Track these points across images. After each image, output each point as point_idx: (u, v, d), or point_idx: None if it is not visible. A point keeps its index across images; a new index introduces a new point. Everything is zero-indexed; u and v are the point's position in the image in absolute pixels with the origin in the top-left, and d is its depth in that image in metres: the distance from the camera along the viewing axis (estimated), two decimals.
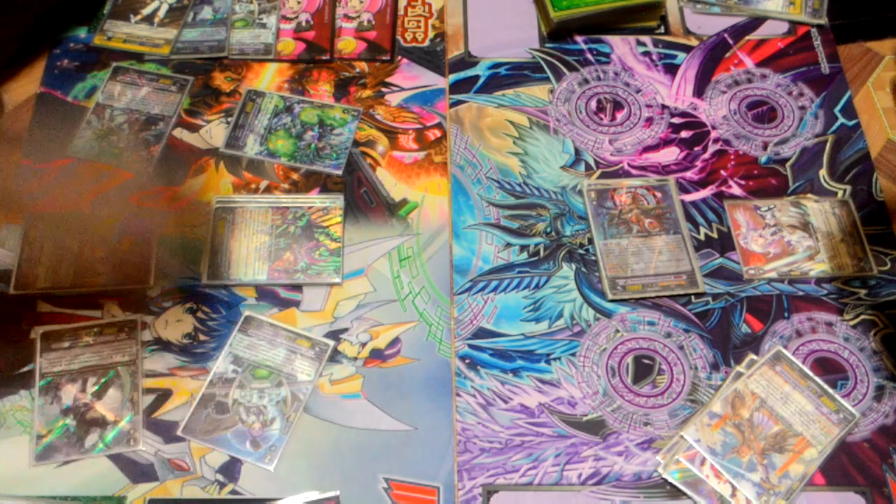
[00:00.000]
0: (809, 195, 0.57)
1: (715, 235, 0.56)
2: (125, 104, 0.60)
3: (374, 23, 0.65)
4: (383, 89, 0.62)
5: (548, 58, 0.64)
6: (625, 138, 0.60)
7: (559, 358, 0.52)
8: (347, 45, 0.64)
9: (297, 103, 0.60)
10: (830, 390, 0.50)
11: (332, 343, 0.52)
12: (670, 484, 0.47)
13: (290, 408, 0.50)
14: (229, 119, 0.60)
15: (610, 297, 0.53)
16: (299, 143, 0.58)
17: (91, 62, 0.63)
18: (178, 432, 0.48)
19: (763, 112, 0.61)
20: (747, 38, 0.65)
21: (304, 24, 0.65)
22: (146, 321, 0.52)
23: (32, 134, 0.58)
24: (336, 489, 0.47)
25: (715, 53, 0.64)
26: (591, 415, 0.50)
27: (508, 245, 0.55)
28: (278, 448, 0.48)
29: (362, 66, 0.63)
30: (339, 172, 0.58)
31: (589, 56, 0.64)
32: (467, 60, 0.64)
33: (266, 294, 0.53)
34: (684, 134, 0.60)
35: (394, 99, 0.62)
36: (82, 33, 0.64)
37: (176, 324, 0.52)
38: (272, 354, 0.51)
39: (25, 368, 0.51)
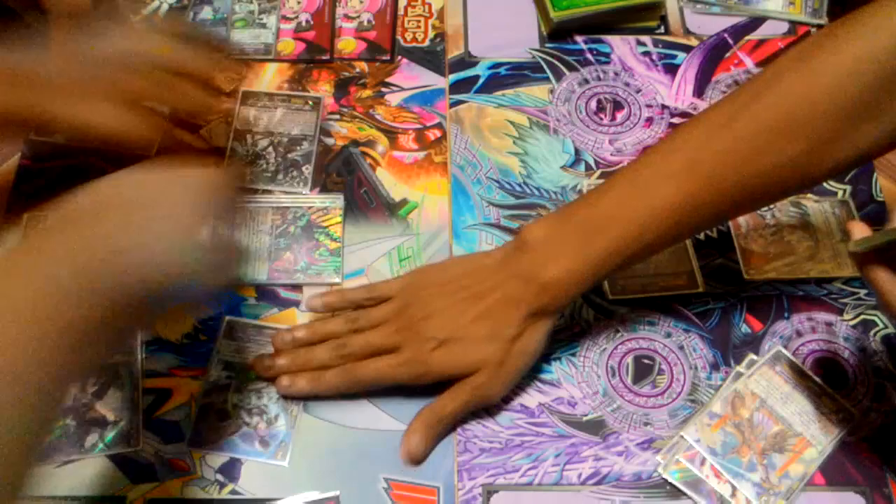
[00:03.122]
0: (809, 195, 0.57)
1: (715, 235, 0.56)
2: (263, 128, 0.60)
3: (374, 23, 0.65)
4: (383, 89, 0.62)
5: (548, 58, 0.64)
6: (625, 138, 0.60)
7: (559, 358, 0.52)
8: (347, 45, 0.64)
9: None
10: (830, 390, 0.50)
11: None
12: (670, 484, 0.47)
13: (291, 402, 0.50)
14: (230, 119, 0.60)
15: (610, 297, 0.53)
16: None
17: None
18: (185, 446, 0.48)
19: None
20: (747, 38, 0.65)
21: (304, 24, 0.65)
22: None
23: None
24: (336, 489, 0.47)
25: (715, 53, 0.64)
26: (591, 415, 0.50)
27: None
28: (288, 444, 0.48)
29: (362, 66, 0.63)
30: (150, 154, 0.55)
31: (589, 56, 0.64)
32: (467, 60, 0.64)
33: (266, 294, 0.53)
34: None
35: (394, 99, 0.62)
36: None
37: (176, 324, 0.52)
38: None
39: None
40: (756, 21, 0.66)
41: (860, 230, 0.39)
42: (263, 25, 0.65)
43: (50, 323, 0.32)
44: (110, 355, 0.37)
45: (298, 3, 0.66)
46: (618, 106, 0.62)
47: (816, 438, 0.48)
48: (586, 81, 0.63)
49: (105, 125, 0.45)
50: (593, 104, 0.62)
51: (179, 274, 0.37)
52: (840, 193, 0.57)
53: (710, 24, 0.66)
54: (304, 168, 0.58)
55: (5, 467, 0.30)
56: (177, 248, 0.36)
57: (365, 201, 0.57)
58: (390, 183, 0.58)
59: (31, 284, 0.33)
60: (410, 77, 0.63)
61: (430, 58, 0.64)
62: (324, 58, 0.64)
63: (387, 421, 0.49)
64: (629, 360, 0.52)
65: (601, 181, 0.58)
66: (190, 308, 0.52)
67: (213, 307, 0.52)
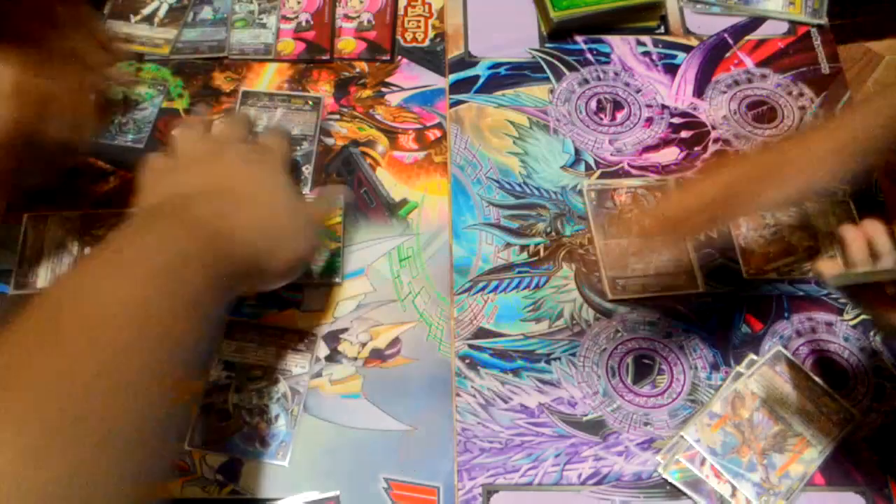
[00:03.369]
0: None
1: (715, 235, 0.56)
2: (263, 128, 0.60)
3: (374, 23, 0.65)
4: (383, 89, 0.62)
5: (548, 58, 0.64)
6: (625, 138, 0.60)
7: (559, 358, 0.52)
8: (347, 45, 0.64)
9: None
10: (830, 390, 0.50)
11: (318, 333, 0.52)
12: (670, 484, 0.47)
13: (291, 402, 0.50)
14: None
15: (610, 297, 0.53)
16: None
17: None
18: (185, 446, 0.48)
19: (763, 112, 0.61)
20: (747, 38, 0.65)
21: (304, 24, 0.65)
22: None
23: None
24: (336, 489, 0.47)
25: (715, 53, 0.64)
26: (591, 415, 0.50)
27: (508, 245, 0.55)
28: (288, 443, 0.48)
29: (362, 66, 0.63)
30: (141, 147, 0.58)
31: (589, 56, 0.64)
32: (467, 60, 0.64)
33: (266, 294, 0.53)
34: (684, 134, 0.60)
35: (394, 99, 0.62)
36: None
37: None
38: (262, 354, 0.51)
39: None
40: (756, 21, 0.66)
41: (829, 268, 0.43)
42: (263, 25, 0.65)
43: (179, 285, 0.37)
44: (212, 331, 0.41)
45: (298, 3, 0.66)
46: (618, 106, 0.62)
47: (816, 438, 0.48)
48: (586, 81, 0.63)
49: None
50: (593, 104, 0.62)
51: (278, 258, 0.44)
52: (840, 193, 0.57)
53: (710, 24, 0.66)
54: (304, 168, 0.58)
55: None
56: (278, 237, 0.44)
57: (365, 201, 0.57)
58: (390, 183, 0.58)
59: (167, 247, 0.38)
60: (410, 77, 0.63)
61: (430, 58, 0.64)
62: (324, 58, 0.64)
63: (387, 421, 0.49)
64: (629, 360, 0.52)
65: (600, 181, 0.58)
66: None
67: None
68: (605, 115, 0.61)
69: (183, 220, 0.40)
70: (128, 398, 0.32)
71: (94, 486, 0.29)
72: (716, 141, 0.60)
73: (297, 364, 0.51)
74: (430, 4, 0.67)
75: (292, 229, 0.45)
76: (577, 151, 0.59)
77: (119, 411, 0.32)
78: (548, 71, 0.63)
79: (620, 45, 0.64)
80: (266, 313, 0.53)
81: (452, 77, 0.63)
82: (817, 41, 0.64)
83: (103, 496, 0.30)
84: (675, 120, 0.61)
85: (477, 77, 0.63)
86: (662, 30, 0.65)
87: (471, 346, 0.52)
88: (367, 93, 0.62)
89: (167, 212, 0.41)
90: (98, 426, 0.30)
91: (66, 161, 0.53)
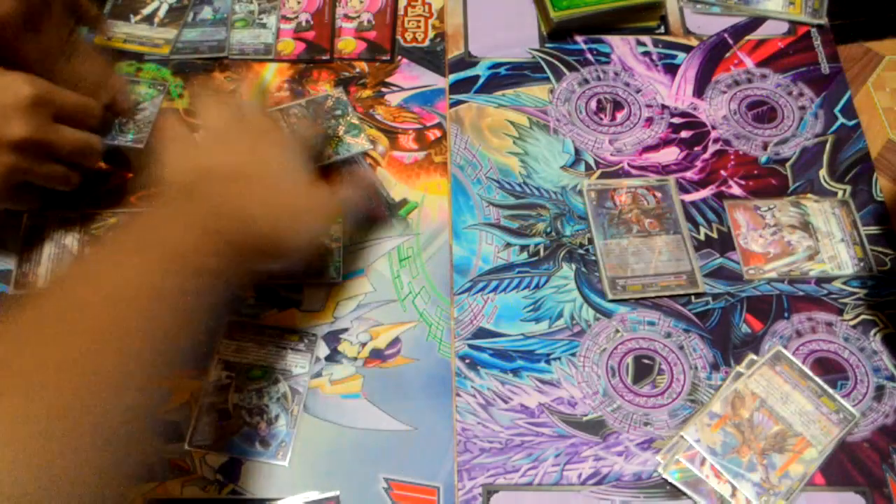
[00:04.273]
0: (809, 195, 0.57)
1: (715, 235, 0.56)
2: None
3: (374, 23, 0.65)
4: (383, 89, 0.62)
5: (548, 58, 0.64)
6: (625, 138, 0.60)
7: (559, 358, 0.52)
8: (347, 45, 0.64)
9: None
10: (830, 390, 0.50)
11: (318, 333, 0.52)
12: (670, 484, 0.47)
13: (291, 402, 0.50)
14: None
15: (610, 297, 0.53)
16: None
17: None
18: (186, 446, 0.48)
19: (763, 112, 0.61)
20: (747, 38, 0.65)
21: (304, 24, 0.65)
22: None
23: None
24: (336, 489, 0.47)
25: (715, 53, 0.64)
26: (591, 415, 0.50)
27: (508, 245, 0.56)
28: (288, 443, 0.48)
29: (362, 66, 0.63)
30: (141, 146, 0.59)
31: (589, 56, 0.64)
32: (467, 60, 0.64)
33: (266, 294, 0.53)
34: (684, 134, 0.60)
35: (394, 99, 0.62)
36: (82, 33, 0.64)
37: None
38: (263, 354, 0.51)
39: None
40: (756, 21, 0.66)
41: None
42: (263, 25, 0.65)
43: (191, 258, 0.40)
44: (217, 308, 0.43)
45: (298, 3, 0.66)
46: (618, 106, 0.62)
47: (816, 438, 0.48)
48: (586, 81, 0.63)
49: None
50: (593, 104, 0.62)
51: (289, 247, 0.46)
52: (840, 193, 0.57)
53: (710, 24, 0.66)
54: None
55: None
56: (293, 221, 0.46)
57: (365, 201, 0.57)
58: (390, 183, 0.58)
59: (182, 227, 0.41)
60: (410, 77, 0.63)
61: (430, 58, 0.64)
62: (324, 58, 0.64)
63: (387, 421, 0.49)
64: (629, 360, 0.52)
65: (600, 181, 0.58)
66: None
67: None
68: (605, 115, 0.61)
69: (197, 198, 0.43)
70: (114, 393, 0.34)
71: (66, 482, 0.30)
72: (716, 141, 0.60)
73: (297, 364, 0.51)
74: (430, 4, 0.67)
75: (303, 210, 0.47)
76: (577, 151, 0.59)
77: (103, 403, 0.33)
78: (548, 71, 0.63)
79: (620, 45, 0.64)
80: (266, 313, 0.53)
81: (452, 77, 0.63)
82: (817, 41, 0.64)
83: (75, 492, 0.31)
84: (675, 120, 0.61)
85: (477, 77, 0.63)
86: (662, 30, 0.65)
87: (471, 346, 0.52)
88: (367, 93, 0.62)
89: (182, 190, 0.44)
90: (75, 427, 0.31)
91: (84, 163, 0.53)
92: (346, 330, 0.52)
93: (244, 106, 0.50)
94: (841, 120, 0.61)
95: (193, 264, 0.40)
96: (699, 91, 0.62)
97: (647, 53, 0.64)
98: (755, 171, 0.58)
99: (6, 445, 0.29)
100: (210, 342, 0.51)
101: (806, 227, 0.56)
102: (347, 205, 0.53)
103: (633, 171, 0.58)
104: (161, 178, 0.45)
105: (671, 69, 0.63)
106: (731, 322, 0.53)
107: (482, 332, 0.52)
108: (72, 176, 0.51)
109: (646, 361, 0.52)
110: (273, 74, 0.63)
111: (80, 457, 0.31)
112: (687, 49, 0.64)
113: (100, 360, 0.34)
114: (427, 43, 0.65)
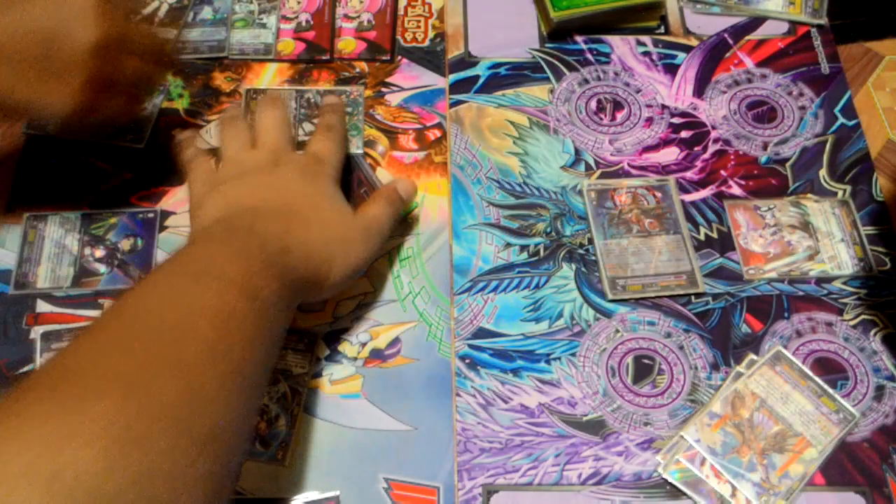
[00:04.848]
0: (809, 195, 0.57)
1: (715, 235, 0.56)
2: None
3: (374, 23, 0.65)
4: (383, 89, 0.62)
5: (548, 58, 0.64)
6: (625, 138, 0.60)
7: (559, 358, 0.52)
8: (347, 45, 0.64)
9: None
10: (830, 390, 0.50)
11: (318, 332, 0.52)
12: (670, 484, 0.47)
13: (291, 402, 0.50)
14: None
15: (610, 297, 0.53)
16: None
17: None
18: None
19: (763, 112, 0.61)
20: (747, 38, 0.65)
21: (304, 24, 0.65)
22: None
23: None
24: (336, 489, 0.47)
25: (715, 53, 0.64)
26: (591, 415, 0.50)
27: (508, 245, 0.56)
28: (288, 443, 0.48)
29: (362, 66, 0.63)
30: (141, 146, 0.59)
31: (589, 56, 0.64)
32: (467, 60, 0.64)
33: None
34: (684, 134, 0.60)
35: (394, 99, 0.62)
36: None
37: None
38: None
39: (26, 369, 0.51)
40: (756, 21, 0.66)
41: None
42: (263, 25, 0.65)
43: (253, 295, 0.39)
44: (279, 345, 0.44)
45: (298, 3, 0.66)
46: (618, 106, 0.62)
47: (816, 438, 0.48)
48: (586, 81, 0.63)
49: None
50: (593, 104, 0.62)
51: (338, 276, 0.47)
52: (840, 193, 0.57)
53: (710, 24, 0.66)
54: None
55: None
56: (337, 251, 0.47)
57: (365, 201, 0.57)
58: None
59: (243, 257, 0.41)
60: (410, 77, 0.63)
61: (430, 58, 0.64)
62: (324, 58, 0.64)
63: (387, 421, 0.49)
64: (629, 360, 0.52)
65: (600, 181, 0.58)
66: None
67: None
68: (605, 115, 0.61)
69: (253, 233, 0.43)
70: (205, 403, 0.33)
71: (164, 488, 0.30)
72: (716, 141, 0.60)
73: (297, 364, 0.51)
74: (430, 4, 0.67)
75: (348, 241, 0.48)
76: (577, 151, 0.59)
77: (195, 415, 0.33)
78: (548, 71, 0.63)
79: (620, 45, 0.64)
80: None
81: (452, 77, 0.63)
82: (817, 41, 0.64)
83: (173, 498, 0.30)
84: (675, 120, 0.61)
85: (477, 77, 0.63)
86: (662, 30, 0.65)
87: (471, 346, 0.52)
88: (367, 93, 0.62)
89: (237, 225, 0.44)
90: (173, 429, 0.31)
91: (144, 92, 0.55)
92: (346, 330, 0.53)
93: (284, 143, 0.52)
94: (841, 120, 0.61)
95: (264, 294, 0.40)
96: (699, 91, 0.62)
97: (647, 53, 0.64)
98: (755, 171, 0.58)
99: (90, 443, 0.28)
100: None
101: (806, 227, 0.56)
102: (389, 225, 0.52)
103: (633, 171, 0.58)
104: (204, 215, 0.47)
105: (671, 69, 0.63)
106: (731, 322, 0.53)
107: (482, 332, 0.52)
108: (154, 74, 0.53)
109: (646, 361, 0.52)
110: (273, 74, 0.63)
111: (184, 459, 0.31)
112: (687, 49, 0.64)
113: (201, 371, 0.34)
114: (427, 43, 0.65)
